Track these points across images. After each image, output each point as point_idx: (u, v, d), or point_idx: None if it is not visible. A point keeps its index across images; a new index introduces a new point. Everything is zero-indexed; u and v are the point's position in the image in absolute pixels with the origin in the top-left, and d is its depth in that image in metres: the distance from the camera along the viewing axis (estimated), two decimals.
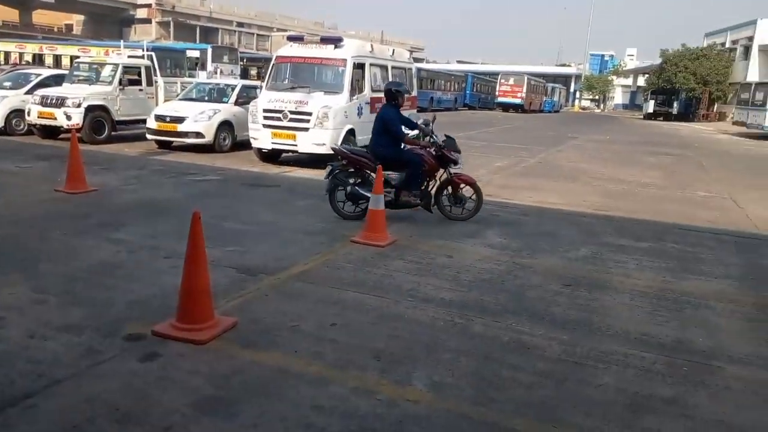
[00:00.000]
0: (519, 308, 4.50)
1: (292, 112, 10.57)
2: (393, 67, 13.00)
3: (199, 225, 3.60)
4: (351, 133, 11.06)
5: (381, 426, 2.87)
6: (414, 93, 14.55)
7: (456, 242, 6.33)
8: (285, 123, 10.61)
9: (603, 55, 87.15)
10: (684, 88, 46.53)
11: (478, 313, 4.34)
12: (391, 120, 6.91)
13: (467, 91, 47.29)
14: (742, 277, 5.68)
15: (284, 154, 11.67)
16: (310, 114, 10.45)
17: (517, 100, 45.81)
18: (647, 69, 59.34)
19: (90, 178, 8.10)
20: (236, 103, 13.11)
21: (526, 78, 46.37)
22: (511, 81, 46.41)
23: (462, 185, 7.21)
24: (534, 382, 3.37)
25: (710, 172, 14.34)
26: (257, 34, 70.63)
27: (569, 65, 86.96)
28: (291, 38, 12.09)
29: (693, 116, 47.14)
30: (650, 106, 49.57)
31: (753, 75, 41.30)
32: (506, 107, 46.19)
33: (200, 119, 12.35)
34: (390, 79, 12.77)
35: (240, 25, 70.09)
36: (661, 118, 47.20)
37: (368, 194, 6.87)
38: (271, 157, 11.49)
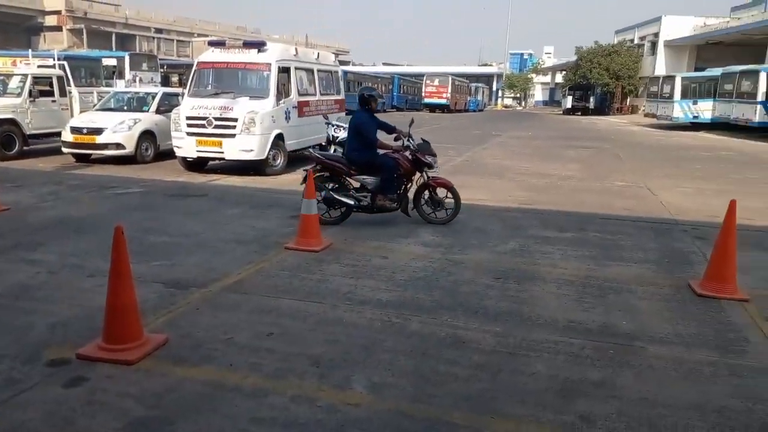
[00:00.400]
0: (453, 304, 4.59)
1: (216, 119, 10.33)
2: (319, 71, 12.97)
3: (122, 240, 3.46)
4: (280, 138, 10.95)
5: None
6: (341, 96, 14.56)
7: (391, 243, 6.38)
8: (210, 130, 10.37)
9: (522, 54, 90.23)
10: (599, 84, 48.89)
11: (414, 312, 4.40)
12: (364, 124, 6.89)
13: (394, 93, 47.70)
14: (658, 261, 6.02)
15: (211, 162, 11.40)
16: (235, 120, 10.25)
17: (443, 101, 46.68)
18: (564, 66, 61.98)
19: (1, 197, 7.62)
20: (157, 111, 12.69)
21: (450, 78, 47.32)
22: (436, 82, 47.26)
23: (439, 188, 7.24)
24: (471, 375, 3.45)
25: (626, 162, 15.12)
26: (177, 40, 68.48)
27: (491, 65, 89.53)
28: (212, 43, 11.83)
29: (608, 110, 49.64)
30: (568, 102, 51.85)
31: (660, 69, 43.94)
32: (433, 108, 46.97)
33: (120, 130, 11.86)
34: (316, 82, 12.76)
35: (158, 31, 67.72)
36: (579, 113, 49.44)
37: (344, 199, 6.97)
38: (197, 165, 11.20)
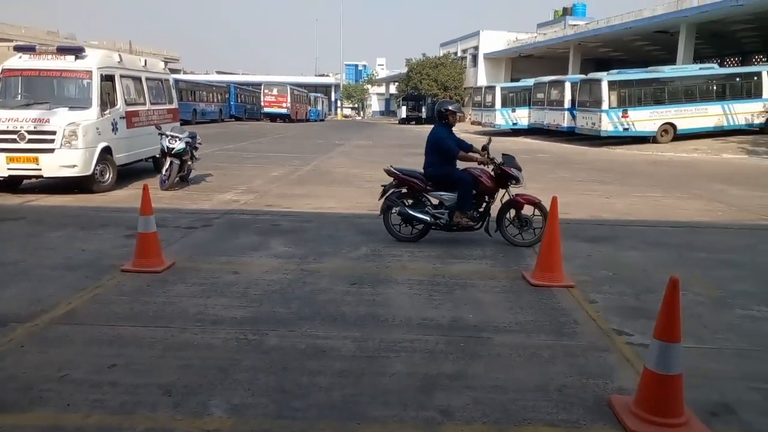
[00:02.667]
0: (312, 313, 4.55)
1: (30, 132, 9.24)
2: (147, 79, 12.20)
3: None
4: (107, 151, 10.10)
5: None
6: (174, 105, 13.83)
7: (241, 257, 6.15)
8: (23, 145, 9.24)
9: (357, 65, 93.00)
10: (429, 94, 51.81)
11: (271, 326, 4.28)
12: (442, 138, 6.64)
13: (232, 102, 46.52)
14: (495, 256, 6.49)
15: (26, 181, 10.16)
16: (53, 133, 9.26)
17: (284, 110, 46.51)
18: (396, 77, 64.84)
19: None
20: None
21: (289, 88, 47.27)
22: (275, 91, 46.97)
23: (527, 206, 6.77)
24: (334, 384, 3.43)
25: None
26: None
27: (328, 75, 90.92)
28: (19, 48, 10.59)
29: None
30: (403, 112, 54.34)
31: (482, 80, 47.80)
32: (273, 117, 46.59)
33: None
34: (145, 91, 11.98)
35: None
36: (414, 122, 51.99)
37: (420, 216, 6.72)
38: (10, 185, 9.90)
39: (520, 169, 6.75)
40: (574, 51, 38.67)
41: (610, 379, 3.57)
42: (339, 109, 78.98)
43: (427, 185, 6.74)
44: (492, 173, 6.76)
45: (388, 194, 6.88)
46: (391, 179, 6.88)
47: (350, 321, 4.41)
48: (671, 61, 29.77)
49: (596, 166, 16.77)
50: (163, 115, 12.74)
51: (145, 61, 12.80)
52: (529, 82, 32.26)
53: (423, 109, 53.26)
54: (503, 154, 6.90)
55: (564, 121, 26.98)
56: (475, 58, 52.13)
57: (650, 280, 5.53)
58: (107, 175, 10.19)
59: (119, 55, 11.45)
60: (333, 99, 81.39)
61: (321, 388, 3.39)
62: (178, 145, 10.34)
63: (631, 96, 23.51)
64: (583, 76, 26.96)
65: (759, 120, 23.95)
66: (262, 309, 4.63)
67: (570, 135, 27.12)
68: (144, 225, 5.57)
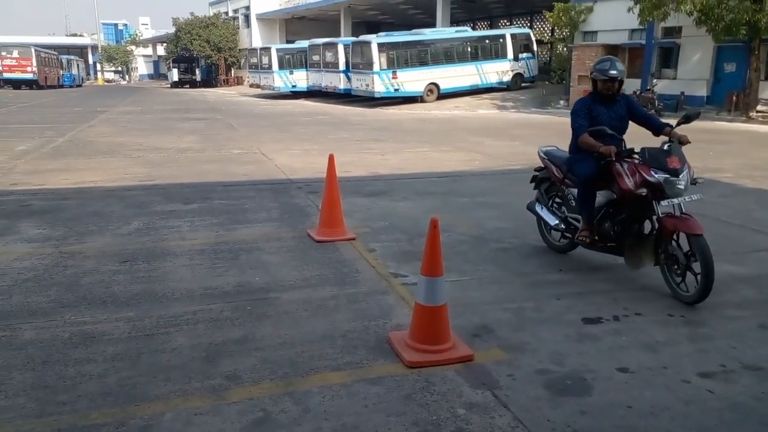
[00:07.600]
0: (76, 299, 4.08)
1: None
2: None
3: None
4: None
5: None
6: None
7: None
8: None
9: (116, 25, 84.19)
10: (202, 56, 49.15)
11: (26, 319, 3.74)
12: (573, 112, 4.65)
13: None
14: (280, 218, 6.48)
15: None
16: None
17: (29, 75, 40.54)
18: (164, 38, 60.18)
19: None
20: None
21: (33, 50, 41.16)
22: (16, 54, 40.62)
23: (677, 234, 4.14)
24: (107, 369, 3.14)
25: (239, 131, 15.74)
26: None
27: (82, 35, 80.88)
28: None
29: (215, 82, 50.58)
30: (175, 75, 50.92)
31: (256, 41, 46.61)
32: (17, 84, 40.27)
33: None
34: None
35: None
36: (188, 86, 49.12)
37: (547, 216, 5.09)
38: None
39: (677, 173, 4.06)
40: (344, 13, 39.60)
41: (389, 319, 3.83)
42: (100, 73, 70.98)
43: (565, 176, 4.90)
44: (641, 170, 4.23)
45: (540, 185, 5.35)
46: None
47: (122, 301, 4.06)
48: (433, 24, 32.20)
49: (373, 126, 17.61)
50: None
51: None
52: (305, 44, 32.33)
53: (197, 72, 50.49)
54: (653, 148, 4.27)
55: (340, 83, 27.69)
56: (247, 18, 50.48)
57: (420, 226, 6.01)
58: None
59: None
60: (91, 62, 72.84)
61: (92, 376, 3.08)
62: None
63: (399, 58, 24.97)
64: (355, 39, 27.84)
65: (506, 78, 27.28)
66: (13, 301, 4.02)
67: (347, 97, 28.00)
68: None
